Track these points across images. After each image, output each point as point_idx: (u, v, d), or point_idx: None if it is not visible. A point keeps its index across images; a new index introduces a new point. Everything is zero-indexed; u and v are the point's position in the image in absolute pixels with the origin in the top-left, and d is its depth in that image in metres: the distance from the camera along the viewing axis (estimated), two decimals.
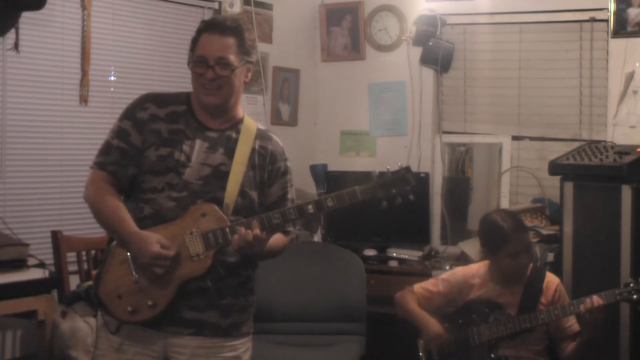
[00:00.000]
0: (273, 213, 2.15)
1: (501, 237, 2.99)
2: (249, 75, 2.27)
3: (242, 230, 2.09)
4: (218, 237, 2.12)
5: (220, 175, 2.18)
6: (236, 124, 2.26)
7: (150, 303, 2.11)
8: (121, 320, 2.14)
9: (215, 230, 2.12)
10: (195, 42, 2.21)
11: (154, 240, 2.08)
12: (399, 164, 2.19)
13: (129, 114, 2.23)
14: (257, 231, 2.09)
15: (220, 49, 2.16)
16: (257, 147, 2.26)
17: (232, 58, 2.17)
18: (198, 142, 2.19)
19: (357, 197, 2.14)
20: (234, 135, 2.24)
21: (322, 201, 2.14)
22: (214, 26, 2.20)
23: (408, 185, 2.15)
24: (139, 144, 2.19)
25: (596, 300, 2.79)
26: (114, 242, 2.17)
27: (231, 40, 2.18)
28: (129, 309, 2.12)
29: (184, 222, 2.13)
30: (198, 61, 2.17)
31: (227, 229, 2.11)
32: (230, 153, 2.21)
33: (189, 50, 2.23)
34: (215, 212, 2.13)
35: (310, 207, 2.15)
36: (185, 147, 2.18)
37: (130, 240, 2.10)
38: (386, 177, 2.15)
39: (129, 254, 2.12)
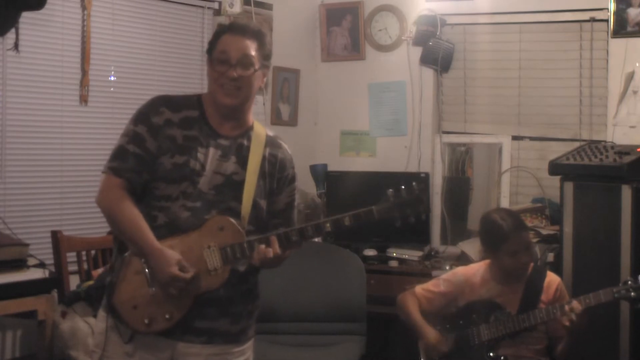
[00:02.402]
0: (290, 230, 2.16)
1: (501, 235, 3.00)
2: (264, 80, 2.25)
3: (262, 247, 2.10)
4: (236, 253, 2.11)
5: (233, 185, 2.17)
6: (247, 131, 2.24)
7: (167, 316, 2.10)
8: (137, 330, 2.13)
9: (234, 245, 2.11)
10: (213, 44, 2.19)
11: (175, 261, 2.06)
12: (413, 183, 2.20)
13: (144, 118, 2.17)
14: (276, 248, 2.11)
15: (243, 49, 2.15)
16: (267, 155, 2.25)
17: (255, 59, 2.17)
18: (211, 150, 2.17)
19: (374, 216, 2.16)
20: (245, 142, 2.22)
21: (340, 220, 2.16)
22: (236, 28, 2.19)
23: (422, 205, 2.19)
24: (154, 150, 2.15)
25: (593, 298, 2.83)
26: (129, 252, 2.14)
27: (253, 43, 2.18)
28: (146, 321, 2.10)
29: (201, 234, 2.12)
30: (220, 59, 2.14)
31: (245, 245, 2.11)
32: (242, 161, 2.19)
33: (206, 52, 2.21)
34: (232, 226, 2.13)
35: (327, 225, 2.17)
36: (200, 155, 2.16)
37: (151, 255, 2.08)
38: (402, 198, 2.17)
39: (146, 268, 2.10)
